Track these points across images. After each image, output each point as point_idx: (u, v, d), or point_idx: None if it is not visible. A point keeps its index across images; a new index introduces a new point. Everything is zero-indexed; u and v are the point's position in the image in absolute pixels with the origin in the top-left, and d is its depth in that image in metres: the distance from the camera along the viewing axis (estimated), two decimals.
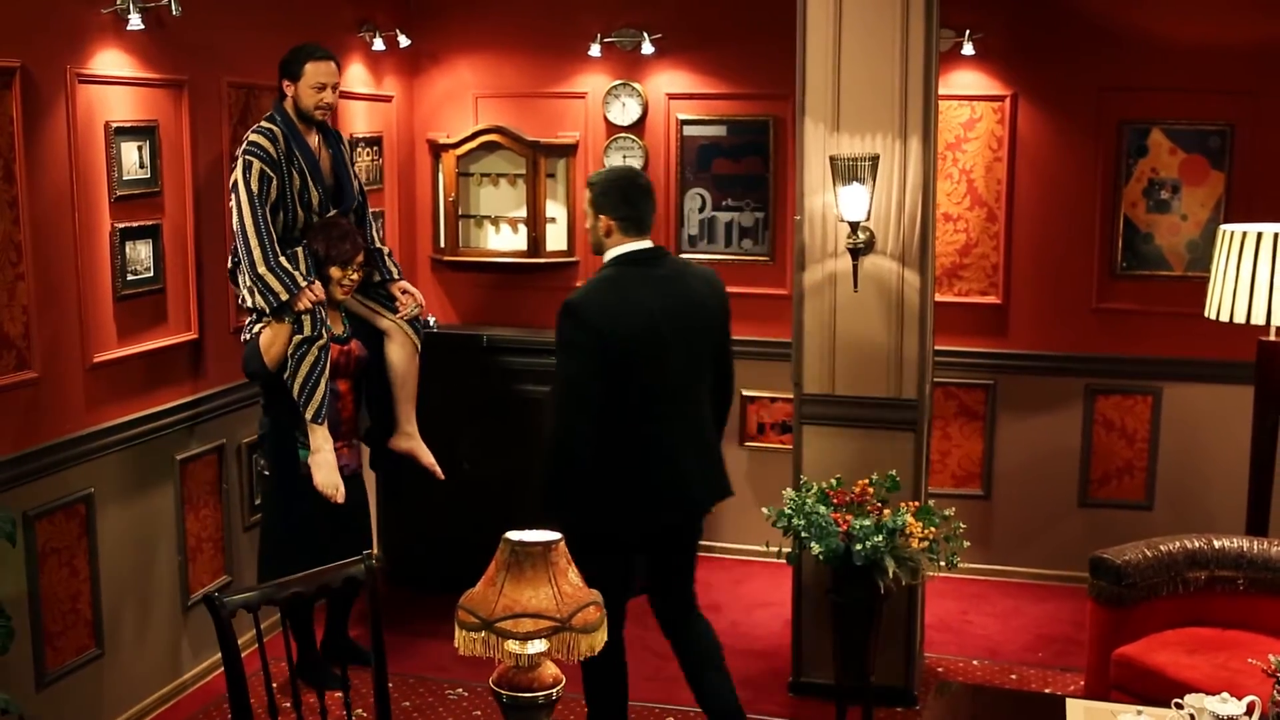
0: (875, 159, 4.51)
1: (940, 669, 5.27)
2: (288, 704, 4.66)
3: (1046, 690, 5.06)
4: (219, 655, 5.19)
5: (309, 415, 4.65)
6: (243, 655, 5.34)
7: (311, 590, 3.41)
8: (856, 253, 4.62)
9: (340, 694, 4.49)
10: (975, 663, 5.36)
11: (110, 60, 4.50)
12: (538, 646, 2.54)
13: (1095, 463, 6.14)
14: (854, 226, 4.58)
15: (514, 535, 2.57)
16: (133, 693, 4.78)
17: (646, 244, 4.03)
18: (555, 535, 2.58)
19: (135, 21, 4.44)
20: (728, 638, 5.56)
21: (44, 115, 4.22)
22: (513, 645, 2.53)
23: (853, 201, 4.50)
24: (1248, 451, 5.58)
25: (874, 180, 4.52)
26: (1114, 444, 6.11)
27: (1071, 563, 6.15)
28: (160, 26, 4.67)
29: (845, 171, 4.48)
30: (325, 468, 4.69)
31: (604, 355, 3.82)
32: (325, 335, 4.67)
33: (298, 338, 4.61)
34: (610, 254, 4.02)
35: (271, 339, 4.62)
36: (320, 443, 4.69)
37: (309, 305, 4.60)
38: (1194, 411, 6.01)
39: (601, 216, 3.99)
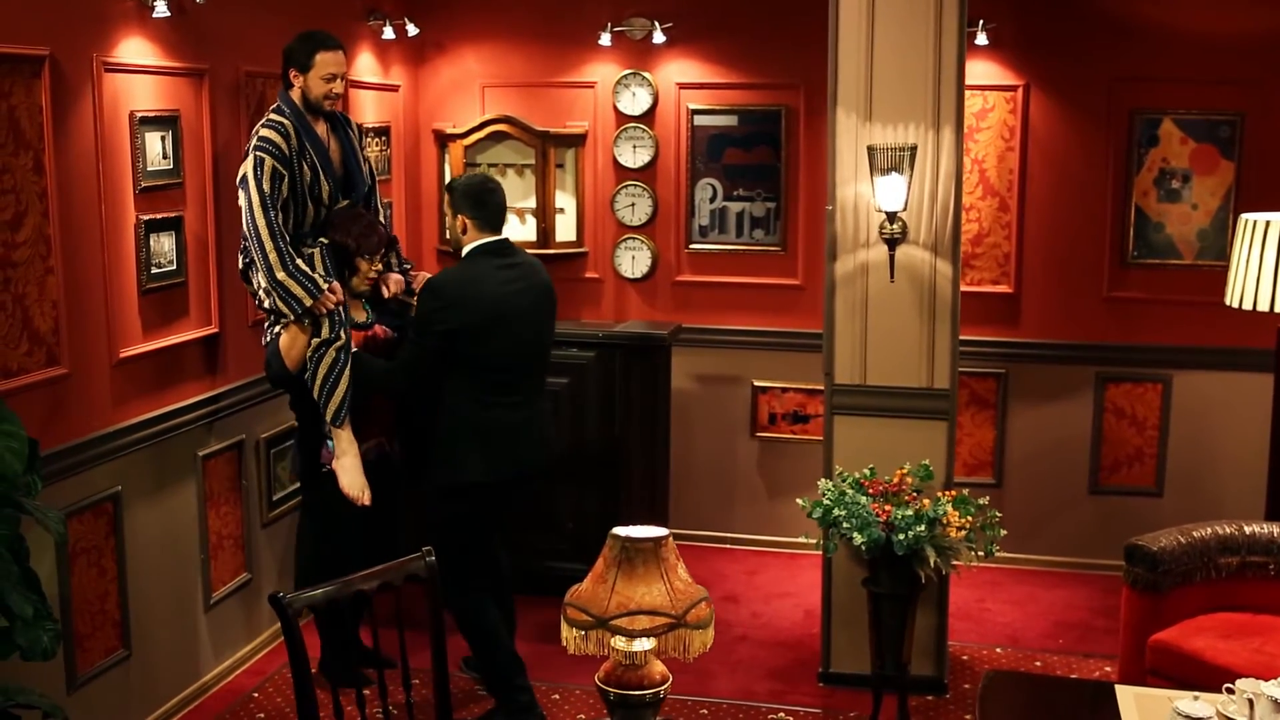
0: (914, 149, 4.51)
1: (965, 657, 5.29)
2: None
3: (1073, 676, 5.10)
4: (241, 654, 5.19)
5: (329, 418, 4.56)
6: (266, 651, 5.32)
7: (374, 588, 3.35)
8: (893, 243, 4.62)
9: (368, 692, 4.47)
10: (999, 650, 5.38)
11: (134, 49, 4.40)
12: (645, 644, 2.50)
13: (1106, 450, 6.19)
14: (891, 216, 4.58)
15: (621, 531, 2.54)
16: (158, 694, 4.70)
17: (498, 237, 4.60)
18: (663, 531, 2.55)
19: (161, 8, 4.35)
20: (749, 628, 5.59)
21: (71, 105, 4.12)
22: (618, 642, 2.49)
23: (891, 191, 4.50)
24: (1256, 437, 5.65)
25: (912, 170, 4.52)
26: (1124, 432, 6.16)
27: (1083, 549, 6.22)
28: (182, 13, 4.57)
29: (883, 161, 4.48)
30: (350, 471, 4.60)
31: (456, 330, 4.45)
32: (344, 336, 4.57)
33: (316, 340, 4.52)
34: (468, 248, 4.59)
35: (291, 341, 4.53)
36: (345, 446, 4.60)
37: (331, 307, 4.51)
38: (1204, 399, 6.06)
39: (459, 216, 4.58)
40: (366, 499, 4.62)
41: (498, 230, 4.61)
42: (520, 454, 4.60)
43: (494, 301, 4.49)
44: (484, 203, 4.58)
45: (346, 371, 4.55)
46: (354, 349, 4.62)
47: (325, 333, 4.52)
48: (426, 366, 4.52)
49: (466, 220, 4.57)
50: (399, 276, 4.93)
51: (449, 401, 4.53)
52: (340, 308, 4.55)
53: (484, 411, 4.52)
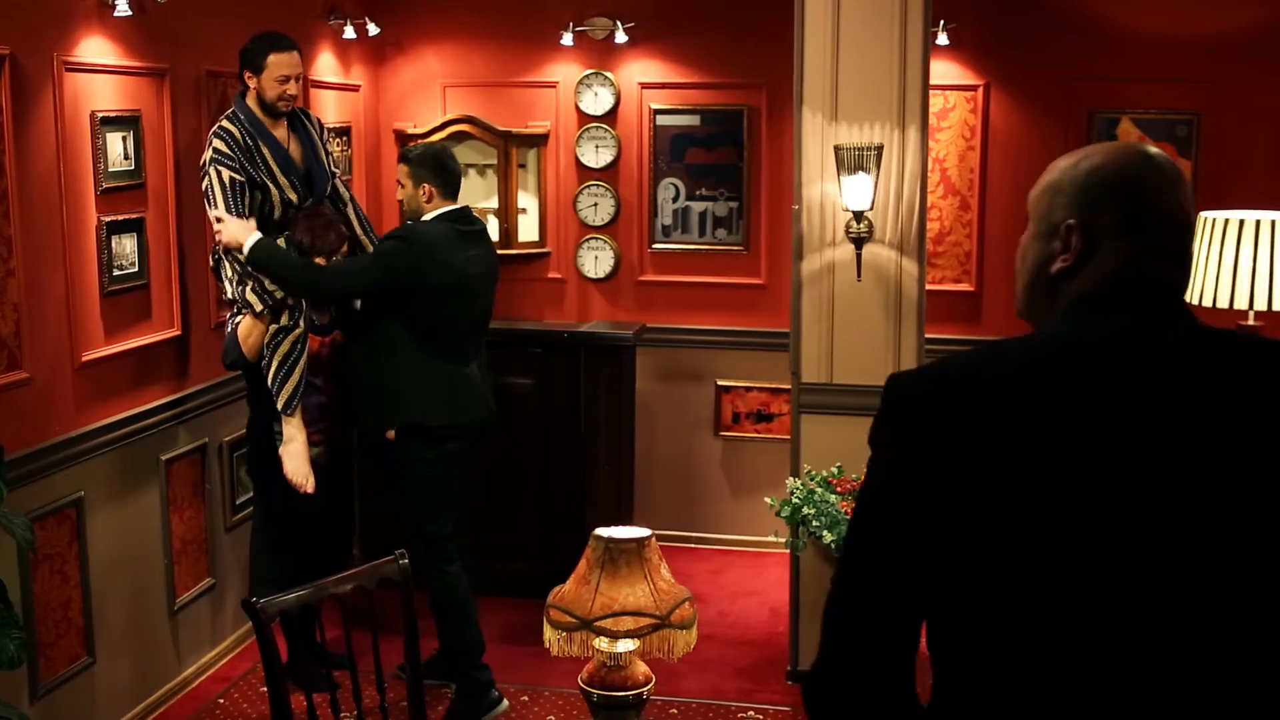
0: (880, 148, 4.53)
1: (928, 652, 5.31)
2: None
3: None
4: (206, 660, 5.13)
5: (280, 406, 4.58)
6: (231, 656, 5.27)
7: (347, 592, 3.32)
8: (860, 242, 4.64)
9: (328, 695, 4.42)
10: None
11: (95, 48, 4.34)
12: (628, 645, 2.50)
13: None
14: (857, 215, 4.60)
15: (604, 532, 2.53)
16: (123, 701, 4.64)
17: (459, 205, 4.66)
18: (646, 531, 2.55)
19: (123, 7, 4.29)
20: (716, 627, 5.60)
21: (32, 105, 4.06)
22: (602, 643, 2.49)
23: (857, 190, 4.52)
24: None
25: (878, 170, 4.54)
26: None
27: None
28: (143, 12, 4.52)
29: (850, 161, 4.50)
30: (296, 458, 4.62)
31: (414, 286, 4.48)
32: (302, 325, 4.58)
33: (274, 327, 4.55)
34: (430, 215, 4.61)
35: (250, 328, 4.56)
36: (293, 433, 4.62)
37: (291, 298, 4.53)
38: None
39: (423, 185, 4.60)
40: (310, 486, 4.62)
41: (456, 198, 4.68)
42: (467, 403, 4.67)
43: (458, 268, 4.55)
44: (446, 168, 4.65)
45: (302, 361, 4.59)
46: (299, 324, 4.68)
47: (284, 320, 4.55)
48: (355, 289, 4.59)
49: (431, 188, 4.60)
50: None
51: (396, 360, 4.56)
52: (300, 299, 4.56)
53: (431, 367, 4.58)
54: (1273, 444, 1.59)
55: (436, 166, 4.63)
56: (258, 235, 4.46)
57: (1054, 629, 1.60)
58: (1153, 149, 1.73)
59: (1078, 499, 1.57)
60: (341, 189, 4.92)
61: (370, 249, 4.88)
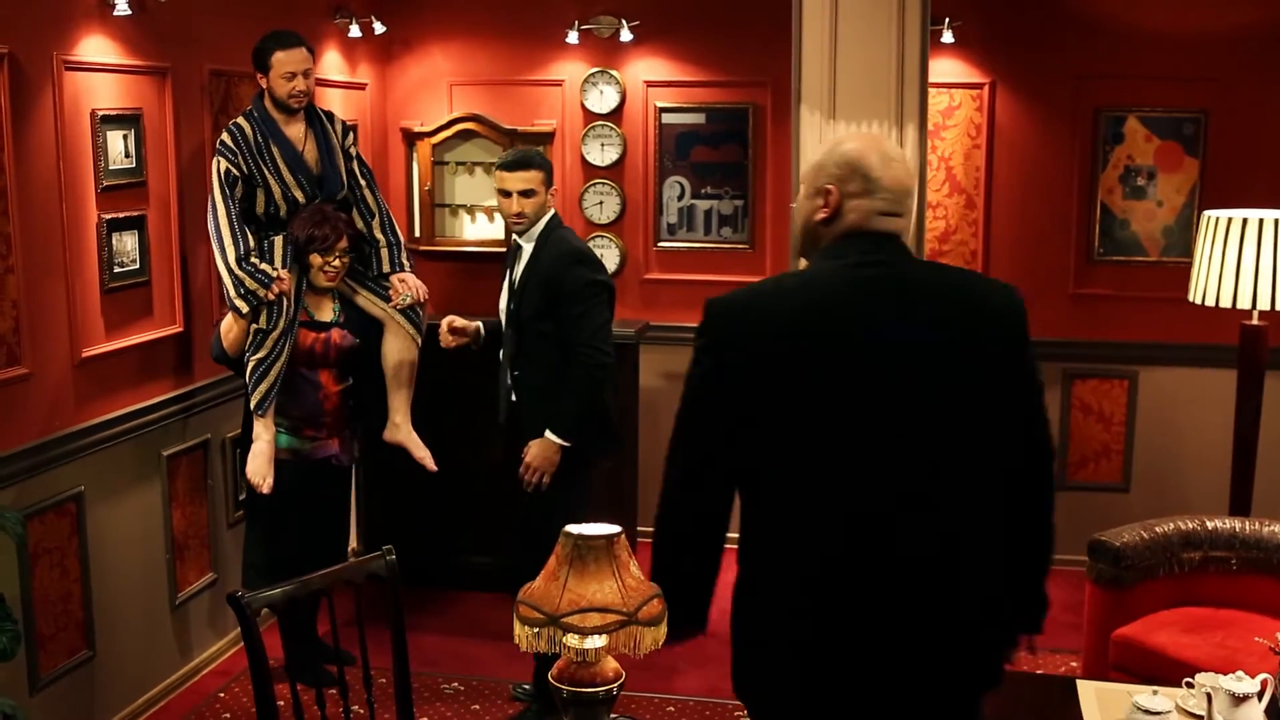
0: None
1: None
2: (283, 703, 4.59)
3: (1039, 671, 5.12)
4: (207, 654, 5.17)
5: (252, 405, 4.62)
6: (232, 651, 5.31)
7: (333, 587, 3.34)
8: None
9: (332, 691, 4.47)
10: None
11: (95, 47, 4.38)
12: (597, 641, 2.51)
13: (1073, 446, 6.22)
14: None
15: (574, 529, 2.54)
16: (124, 694, 4.68)
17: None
18: (616, 528, 2.56)
19: (122, 6, 4.33)
20: (716, 626, 5.51)
21: (31, 103, 4.10)
22: (572, 640, 2.50)
23: None
24: (1222, 433, 5.69)
25: None
26: (1091, 428, 6.20)
27: None
28: (143, 11, 4.56)
29: None
30: (258, 457, 4.65)
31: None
32: (281, 326, 4.60)
33: (254, 327, 4.58)
34: (547, 218, 4.54)
35: (229, 325, 4.62)
36: (260, 432, 4.67)
37: (273, 297, 4.55)
38: (1170, 395, 6.10)
39: (554, 187, 4.58)
40: (267, 487, 4.64)
41: None
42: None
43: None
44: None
45: (279, 363, 4.61)
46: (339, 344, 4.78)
47: (262, 322, 4.58)
48: (609, 330, 4.59)
49: (553, 188, 4.63)
50: (405, 281, 4.90)
51: (605, 386, 4.65)
52: (283, 298, 4.58)
53: (614, 379, 4.74)
54: (959, 339, 2.47)
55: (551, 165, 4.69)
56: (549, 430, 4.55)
57: (813, 481, 2.52)
58: (886, 141, 2.54)
59: (828, 375, 2.41)
60: (370, 198, 4.96)
61: (386, 266, 4.90)
